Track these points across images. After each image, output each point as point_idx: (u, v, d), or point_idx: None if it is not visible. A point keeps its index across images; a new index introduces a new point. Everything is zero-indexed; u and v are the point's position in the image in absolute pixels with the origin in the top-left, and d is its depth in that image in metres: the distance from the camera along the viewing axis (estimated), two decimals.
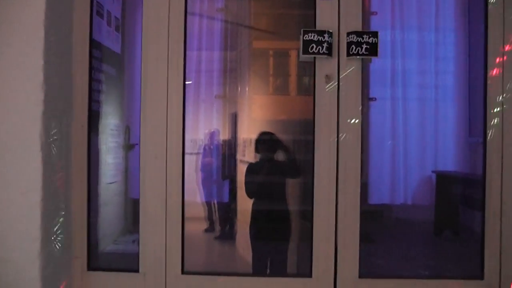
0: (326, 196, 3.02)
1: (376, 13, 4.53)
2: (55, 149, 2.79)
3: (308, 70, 3.08)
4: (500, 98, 3.00)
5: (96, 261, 3.29)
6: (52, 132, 2.75)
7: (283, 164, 3.96)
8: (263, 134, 4.15)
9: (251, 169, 4.12)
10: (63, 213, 2.89)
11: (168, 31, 3.07)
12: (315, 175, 3.03)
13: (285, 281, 3.12)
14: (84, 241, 3.09)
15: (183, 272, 3.06)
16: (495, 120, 3.01)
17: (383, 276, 3.10)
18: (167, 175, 3.05)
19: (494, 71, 3.02)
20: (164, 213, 3.05)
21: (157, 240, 3.05)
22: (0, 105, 2.66)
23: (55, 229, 2.79)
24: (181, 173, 3.06)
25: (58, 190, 2.83)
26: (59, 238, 2.83)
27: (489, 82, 3.04)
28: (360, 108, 3.02)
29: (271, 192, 4.00)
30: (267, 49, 5.44)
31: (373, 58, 3.08)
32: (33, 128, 2.65)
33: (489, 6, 3.04)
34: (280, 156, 3.96)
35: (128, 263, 3.19)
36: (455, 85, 4.60)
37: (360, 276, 3.01)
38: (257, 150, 4.09)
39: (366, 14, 4.49)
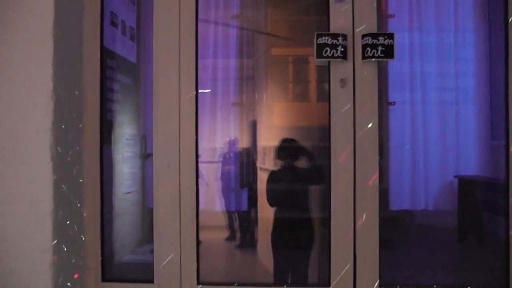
0: (344, 203, 2.95)
1: (394, 15, 4.47)
2: (66, 159, 2.76)
3: (327, 76, 3.00)
4: None
5: (110, 271, 3.26)
6: (63, 142, 2.73)
7: (306, 170, 3.89)
8: (285, 141, 4.09)
9: (273, 176, 4.06)
10: (75, 224, 2.86)
11: (179, 39, 3.03)
12: (332, 181, 2.96)
13: None
14: (98, 252, 3.06)
15: (198, 282, 3.01)
16: None
17: (404, 285, 3.00)
18: (180, 184, 3.01)
19: None
20: (178, 222, 3.00)
21: (171, 250, 3.01)
22: (10, 115, 2.65)
23: (67, 240, 2.76)
24: (195, 182, 3.02)
25: (70, 201, 2.80)
26: (71, 250, 2.79)
27: (510, 83, 2.94)
28: (376, 112, 2.94)
29: (294, 199, 3.93)
30: (286, 56, 5.40)
31: (392, 62, 3.01)
32: (43, 138, 2.64)
33: (509, 6, 2.94)
34: (302, 162, 3.90)
35: (145, 273, 3.14)
36: (476, 87, 4.50)
37: (381, 286, 2.93)
38: (279, 157, 4.03)
39: (384, 17, 4.42)
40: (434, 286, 3.03)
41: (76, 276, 2.87)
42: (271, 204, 3.96)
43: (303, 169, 3.92)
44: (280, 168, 4.02)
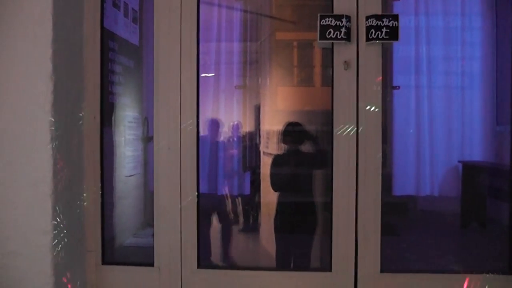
0: (346, 187, 2.91)
1: None
2: (66, 140, 2.74)
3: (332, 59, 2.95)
4: None
5: (111, 254, 3.26)
6: (63, 124, 2.70)
7: (310, 155, 3.86)
8: (289, 124, 4.05)
9: (278, 161, 4.03)
10: (75, 206, 2.84)
11: (181, 20, 2.99)
12: (334, 166, 2.93)
13: (304, 275, 3.01)
14: (98, 235, 3.04)
15: (199, 266, 2.99)
16: None
17: (405, 271, 2.98)
18: (181, 166, 2.98)
19: None
20: (179, 206, 2.98)
21: (172, 234, 2.98)
22: (9, 96, 2.62)
23: (67, 223, 2.74)
24: (196, 165, 2.99)
25: (70, 183, 2.78)
26: (71, 232, 2.78)
27: None
28: (380, 95, 2.89)
29: (298, 184, 3.90)
30: (291, 40, 5.36)
31: (397, 46, 2.96)
32: (42, 119, 2.61)
33: None
34: (306, 147, 3.87)
35: (147, 256, 3.13)
36: (482, 72, 4.44)
37: (382, 271, 2.90)
38: (284, 141, 4.00)
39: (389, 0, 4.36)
40: (432, 272, 3.01)
41: (76, 258, 2.86)
42: (275, 189, 3.94)
43: (307, 154, 3.89)
44: (284, 152, 3.99)
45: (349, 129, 2.90)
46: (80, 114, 2.92)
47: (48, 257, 2.62)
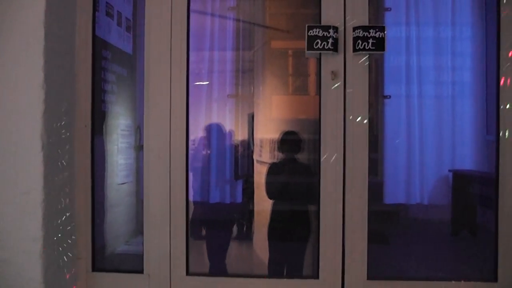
0: (333, 196, 2.95)
1: (390, 9, 4.44)
2: (57, 149, 2.77)
3: None
4: None
5: (102, 262, 3.28)
6: (54, 132, 2.74)
7: (305, 164, 3.89)
8: (286, 133, 4.09)
9: (273, 169, 4.06)
10: (66, 213, 2.87)
11: (171, 30, 3.04)
12: (322, 175, 2.97)
13: (291, 282, 3.05)
14: (89, 242, 3.07)
15: (187, 273, 3.02)
16: (509, 118, 2.91)
17: (392, 278, 3.00)
18: (171, 175, 3.02)
19: (507, 66, 2.92)
20: (168, 213, 3.02)
21: (161, 241, 3.02)
22: (0, 105, 2.65)
23: (57, 230, 2.77)
24: (185, 173, 3.03)
25: (61, 191, 2.81)
26: (61, 239, 2.81)
27: (502, 78, 2.93)
28: (367, 105, 2.93)
29: (293, 192, 3.93)
30: (285, 49, 5.38)
31: (388, 55, 3.00)
32: (34, 128, 2.65)
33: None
34: (302, 155, 3.90)
35: (138, 264, 3.16)
36: (472, 81, 4.47)
37: (369, 278, 2.93)
38: (281, 149, 4.03)
39: (380, 10, 4.40)
40: (420, 279, 3.04)
41: (66, 265, 2.88)
42: (270, 197, 3.96)
43: (302, 162, 3.92)
44: (280, 161, 4.02)
45: (336, 138, 2.93)
46: (72, 123, 2.95)
47: (38, 265, 2.65)
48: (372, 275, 2.94)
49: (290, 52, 5.37)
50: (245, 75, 5.14)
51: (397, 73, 4.53)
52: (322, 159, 2.96)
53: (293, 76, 5.37)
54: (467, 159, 4.48)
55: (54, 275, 2.75)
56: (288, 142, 4.00)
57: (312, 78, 5.15)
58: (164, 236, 3.01)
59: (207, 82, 4.90)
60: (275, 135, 4.34)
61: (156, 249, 3.02)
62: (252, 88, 5.16)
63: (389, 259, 3.64)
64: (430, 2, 4.55)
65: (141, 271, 3.04)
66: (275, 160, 4.30)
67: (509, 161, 2.92)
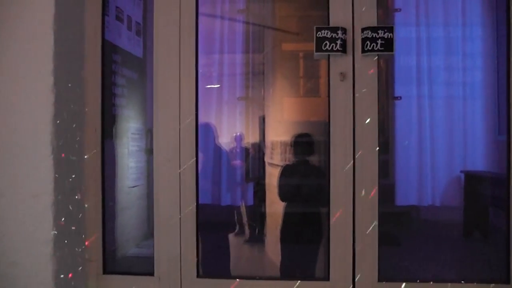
0: (343, 197, 2.94)
1: (400, 9, 4.43)
2: (67, 152, 2.79)
3: None
4: None
5: (113, 264, 3.29)
6: (64, 135, 2.76)
7: (319, 166, 3.89)
8: (300, 135, 4.10)
9: (286, 171, 4.06)
10: (76, 216, 2.89)
11: (179, 33, 3.04)
12: (331, 176, 2.96)
13: (301, 284, 3.03)
14: (100, 245, 3.09)
15: (198, 275, 3.03)
16: None
17: (402, 279, 2.98)
18: (181, 178, 3.02)
19: None
20: (179, 216, 3.02)
21: (171, 244, 3.03)
22: (11, 108, 2.68)
23: (68, 233, 2.79)
24: (195, 176, 3.03)
25: (71, 194, 2.83)
26: (72, 242, 2.82)
27: None
28: (376, 107, 2.92)
29: (306, 194, 3.93)
30: (296, 51, 5.38)
31: (399, 56, 2.99)
32: (44, 131, 2.67)
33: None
34: (315, 157, 3.90)
35: (149, 266, 3.17)
36: (484, 81, 4.44)
37: (379, 280, 2.92)
38: (294, 152, 4.04)
39: (390, 10, 4.39)
40: (431, 281, 3.02)
41: (77, 268, 2.90)
42: (283, 199, 3.96)
43: (314, 165, 3.92)
44: (293, 163, 4.02)
45: (345, 140, 2.93)
46: (82, 126, 2.97)
47: (48, 267, 2.66)
48: (383, 277, 2.92)
49: (301, 54, 5.37)
50: (255, 78, 5.14)
51: (407, 74, 4.52)
52: (332, 161, 2.95)
53: (304, 78, 5.37)
54: (479, 159, 4.45)
55: (65, 278, 2.76)
56: (301, 144, 3.99)
57: (323, 80, 5.14)
58: (175, 239, 3.02)
59: (218, 85, 4.91)
60: (286, 137, 4.34)
61: (167, 251, 3.02)
62: (262, 90, 5.17)
63: (400, 260, 3.62)
64: (440, 2, 4.54)
65: (152, 274, 3.05)
66: (287, 162, 4.30)
67: None
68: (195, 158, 3.03)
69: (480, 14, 4.50)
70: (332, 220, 2.94)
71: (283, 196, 3.97)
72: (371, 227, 2.91)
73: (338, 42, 2.88)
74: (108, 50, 3.36)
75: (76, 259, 2.88)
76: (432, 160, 4.50)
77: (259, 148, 5.03)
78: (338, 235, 2.94)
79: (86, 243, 3.00)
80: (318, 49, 2.90)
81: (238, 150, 5.08)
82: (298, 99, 5.24)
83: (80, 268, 2.93)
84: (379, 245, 2.92)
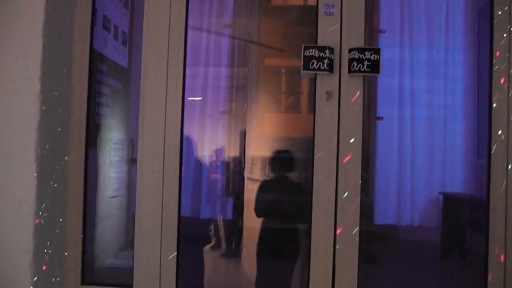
0: (325, 216, 2.95)
1: (385, 31, 4.49)
2: (51, 160, 2.77)
3: None
4: (505, 119, 2.93)
5: (91, 275, 3.25)
6: (49, 143, 2.73)
7: (298, 182, 3.90)
8: (279, 152, 4.10)
9: (264, 186, 4.06)
10: (57, 225, 2.86)
11: (168, 46, 3.05)
12: (314, 194, 2.97)
13: None
14: (79, 255, 3.05)
15: None
16: (500, 141, 2.94)
17: None
18: (164, 190, 3.01)
19: (499, 92, 2.95)
20: (160, 228, 3.00)
21: (151, 256, 3.00)
22: None
23: (48, 242, 2.75)
24: (178, 188, 3.02)
25: (53, 202, 2.80)
26: (51, 251, 2.79)
27: (494, 103, 2.97)
28: (361, 127, 2.95)
29: (284, 210, 3.93)
30: (279, 66, 5.41)
31: (382, 77, 3.02)
32: (28, 138, 2.65)
33: (495, 25, 2.98)
34: (294, 174, 3.91)
35: (126, 278, 3.14)
36: (464, 105, 4.52)
37: None
38: (273, 168, 4.04)
39: (375, 32, 4.45)
40: None
41: (55, 278, 2.86)
42: (258, 215, 3.96)
43: (293, 181, 3.93)
44: (272, 178, 4.02)
45: (329, 158, 2.95)
46: (66, 134, 2.95)
47: (27, 277, 2.63)
48: None
49: (283, 70, 5.40)
50: (238, 92, 5.16)
51: (389, 95, 4.57)
52: (314, 178, 2.96)
53: (285, 94, 5.40)
54: (458, 182, 4.51)
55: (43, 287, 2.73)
56: (281, 160, 4.00)
57: (304, 97, 5.18)
58: (155, 252, 2.99)
59: (200, 98, 4.91)
60: (266, 152, 4.35)
61: (147, 264, 3.00)
62: (245, 105, 5.18)
63: (378, 279, 3.64)
64: (424, 26, 4.61)
65: (130, 286, 3.01)
66: (266, 178, 4.30)
67: (499, 184, 2.93)
68: (179, 170, 3.02)
69: (462, 39, 4.58)
70: (313, 237, 2.95)
71: (258, 211, 3.97)
72: (352, 246, 2.93)
73: (325, 61, 2.91)
74: (95, 59, 3.35)
75: (55, 269, 2.84)
76: (412, 180, 4.55)
77: (240, 163, 5.03)
78: (319, 254, 2.95)
79: (66, 253, 2.96)
80: (306, 67, 2.93)
81: (218, 163, 5.07)
82: (279, 114, 5.26)
83: (59, 278, 2.89)
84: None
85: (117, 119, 4.11)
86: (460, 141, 4.53)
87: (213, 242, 4.98)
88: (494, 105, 2.97)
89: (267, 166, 4.25)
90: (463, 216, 4.45)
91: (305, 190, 3.82)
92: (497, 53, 2.99)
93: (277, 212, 3.93)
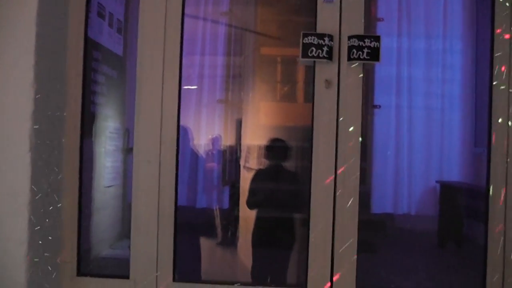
0: (324, 205, 2.93)
1: (383, 19, 4.46)
2: (45, 150, 2.73)
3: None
4: (506, 108, 2.90)
5: (87, 266, 3.22)
6: (43, 133, 2.69)
7: (293, 171, 3.88)
8: (274, 140, 4.07)
9: (259, 175, 4.03)
10: (52, 216, 2.82)
11: (164, 34, 3.00)
12: (313, 183, 2.94)
13: None
14: (74, 246, 3.02)
15: (174, 279, 2.98)
16: (500, 130, 2.91)
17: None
18: (160, 180, 2.98)
19: (500, 80, 2.93)
20: (156, 218, 2.97)
21: (148, 247, 2.97)
22: None
23: (43, 233, 2.72)
24: (175, 178, 2.99)
25: (48, 192, 2.76)
26: (47, 243, 2.76)
27: (494, 91, 2.94)
28: (360, 115, 2.92)
29: (279, 200, 3.91)
30: (274, 55, 5.38)
31: (379, 65, 2.99)
32: (22, 128, 2.60)
33: (496, 11, 2.95)
34: (289, 163, 3.88)
35: (123, 268, 3.11)
36: (462, 94, 4.51)
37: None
38: (267, 156, 4.01)
39: (373, 20, 4.42)
40: None
41: (51, 269, 2.83)
42: (250, 207, 3.94)
43: (289, 170, 3.91)
44: (266, 168, 4.00)
45: (328, 146, 2.92)
46: (61, 123, 2.90)
47: (22, 268, 2.59)
48: (360, 284, 2.92)
49: (279, 59, 5.37)
50: (234, 81, 5.12)
51: (387, 83, 4.55)
52: (313, 167, 2.93)
53: (281, 83, 5.37)
54: (455, 170, 4.51)
55: (39, 279, 2.69)
56: (275, 149, 3.98)
57: (300, 86, 5.15)
58: (151, 242, 2.96)
59: (196, 87, 4.88)
60: (262, 141, 4.33)
61: (143, 254, 2.97)
62: (241, 94, 5.15)
63: (376, 268, 3.64)
64: (422, 14, 4.59)
65: (127, 277, 2.99)
66: (261, 167, 4.28)
67: (500, 172, 2.91)
68: (175, 160, 2.98)
69: (461, 28, 4.56)
70: (312, 226, 2.93)
71: (249, 204, 3.96)
72: (351, 235, 2.91)
73: (325, 49, 2.87)
74: (89, 47, 3.30)
75: (50, 260, 2.81)
76: (409, 169, 4.54)
77: (235, 152, 5.01)
78: (318, 243, 2.93)
79: (61, 244, 2.93)
80: (304, 55, 2.89)
81: (214, 152, 5.05)
82: (275, 103, 5.23)
83: (55, 269, 2.86)
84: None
85: (113, 108, 4.07)
86: (457, 130, 4.53)
87: (210, 230, 4.96)
88: (494, 93, 2.93)
89: (262, 154, 4.22)
90: (460, 205, 4.45)
91: (300, 179, 3.81)
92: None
93: (272, 202, 3.90)
